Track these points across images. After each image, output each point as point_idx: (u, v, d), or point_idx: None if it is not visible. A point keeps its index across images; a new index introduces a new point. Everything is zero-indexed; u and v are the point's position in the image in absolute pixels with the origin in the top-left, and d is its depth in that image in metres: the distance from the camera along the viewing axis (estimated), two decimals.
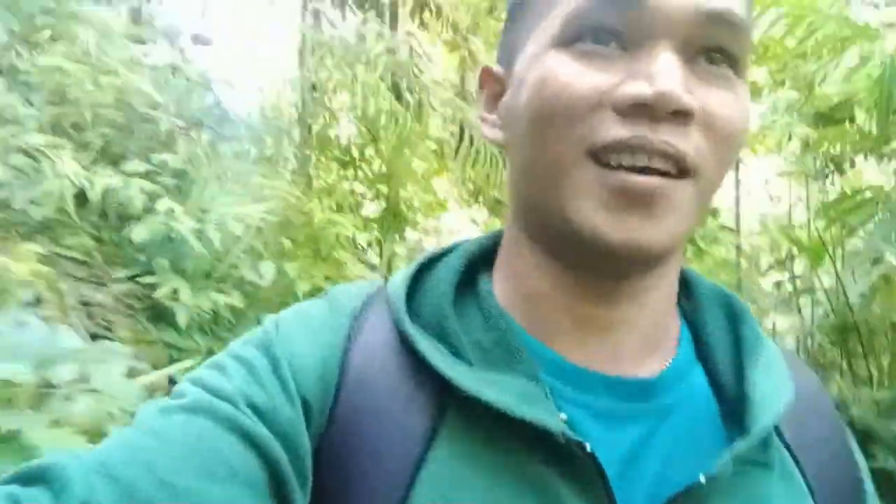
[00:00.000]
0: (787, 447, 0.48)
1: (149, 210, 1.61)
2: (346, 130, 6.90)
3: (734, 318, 0.52)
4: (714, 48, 0.41)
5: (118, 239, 1.68)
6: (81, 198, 1.49)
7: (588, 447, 0.41)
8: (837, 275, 3.66)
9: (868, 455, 2.61)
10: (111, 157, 1.71)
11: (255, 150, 2.74)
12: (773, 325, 4.91)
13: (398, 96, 6.75)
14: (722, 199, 5.36)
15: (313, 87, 6.87)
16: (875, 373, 3.58)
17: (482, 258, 0.53)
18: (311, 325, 0.48)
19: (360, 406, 0.44)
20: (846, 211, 3.28)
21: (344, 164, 6.12)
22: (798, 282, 4.34)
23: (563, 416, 0.43)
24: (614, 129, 0.40)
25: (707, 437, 0.46)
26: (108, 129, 1.70)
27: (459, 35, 7.14)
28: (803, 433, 0.49)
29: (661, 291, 0.49)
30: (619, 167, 0.40)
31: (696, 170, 0.41)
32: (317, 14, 6.63)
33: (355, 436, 0.43)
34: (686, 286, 0.54)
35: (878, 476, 2.67)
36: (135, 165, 1.66)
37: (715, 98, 0.41)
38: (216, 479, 0.38)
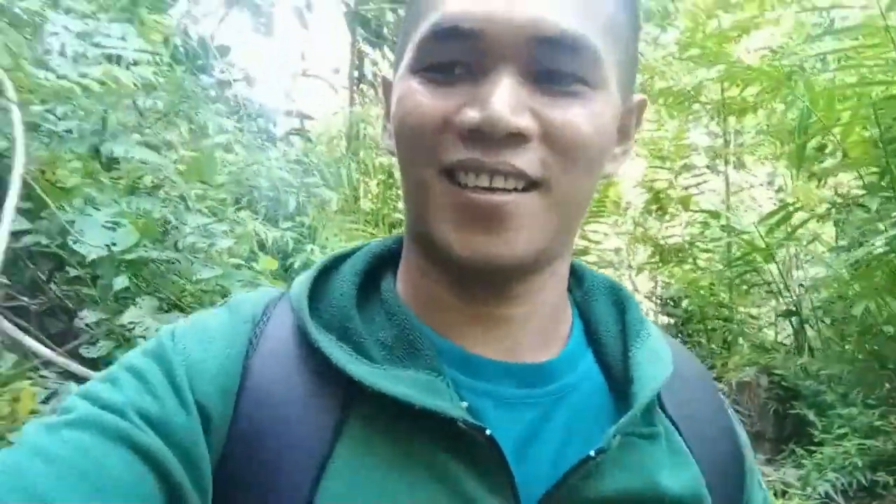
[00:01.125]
0: (672, 421, 0.52)
1: (297, 249, 2.89)
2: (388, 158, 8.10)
3: (620, 305, 0.57)
4: (555, 69, 0.44)
5: (281, 265, 2.98)
6: (260, 243, 2.77)
7: (487, 431, 0.43)
8: (780, 271, 4.71)
9: (792, 407, 3.70)
10: (272, 219, 3.01)
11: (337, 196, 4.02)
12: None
13: None
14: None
15: (361, 120, 8.18)
16: (807, 346, 4.65)
17: (387, 259, 0.55)
18: (208, 333, 0.48)
19: (262, 411, 0.45)
20: (778, 222, 4.34)
21: (388, 186, 7.15)
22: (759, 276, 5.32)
23: (465, 403, 0.45)
24: (454, 152, 0.43)
25: (599, 416, 0.50)
26: (266, 202, 3.00)
27: None
28: (685, 407, 0.54)
29: (551, 290, 0.52)
30: (467, 185, 0.43)
31: (543, 182, 0.44)
32: (360, 55, 7.93)
33: (259, 440, 0.44)
34: (576, 277, 0.59)
35: (795, 419, 3.75)
36: (285, 224, 2.95)
37: (559, 113, 0.44)
38: (104, 496, 0.37)
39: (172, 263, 1.74)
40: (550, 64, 0.44)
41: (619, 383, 0.52)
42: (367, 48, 7.99)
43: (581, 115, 0.44)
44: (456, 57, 0.44)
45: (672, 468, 0.49)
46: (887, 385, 3.76)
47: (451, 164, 0.44)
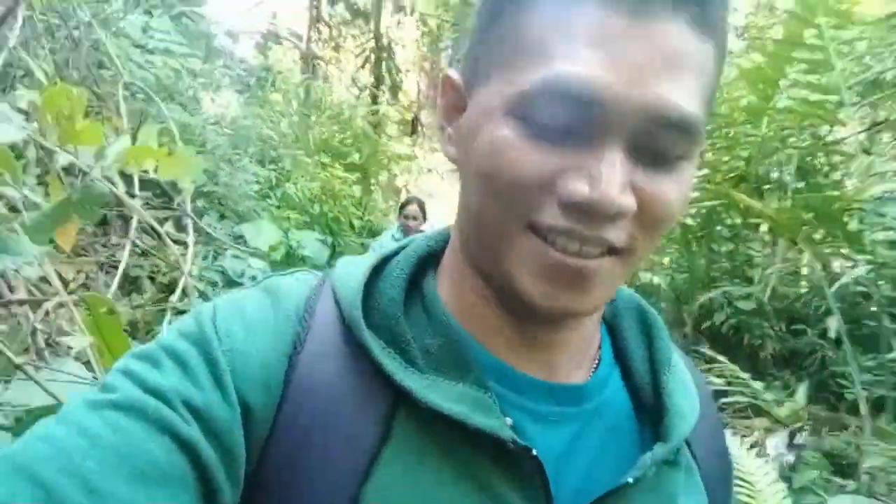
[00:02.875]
0: (688, 443, 0.56)
1: (278, 184, 4.43)
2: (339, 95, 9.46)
3: (647, 327, 0.60)
4: (662, 147, 0.44)
5: (270, 193, 4.55)
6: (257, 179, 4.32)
7: (534, 452, 0.46)
8: None
9: None
10: (261, 161, 4.53)
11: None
12: None
13: (379, 72, 9.44)
14: None
15: (315, 59, 9.50)
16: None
17: (430, 257, 0.57)
18: (251, 323, 0.49)
19: (308, 410, 0.46)
20: None
21: (338, 123, 8.45)
22: None
23: (509, 420, 0.48)
24: (554, 218, 0.44)
25: (626, 437, 0.54)
26: (255, 149, 4.52)
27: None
28: (699, 433, 0.56)
29: (593, 318, 0.55)
30: (555, 244, 0.44)
31: (628, 250, 0.46)
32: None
33: (303, 441, 0.46)
34: None
35: None
36: (270, 165, 4.48)
37: (656, 187, 0.44)
38: (146, 483, 0.39)
39: (223, 194, 3.31)
40: (662, 144, 0.44)
41: (646, 406, 0.55)
42: None
43: (674, 191, 0.45)
44: (566, 120, 0.42)
45: (687, 494, 0.54)
46: (672, 314, 5.66)
47: (545, 227, 0.44)
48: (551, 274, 0.45)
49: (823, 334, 4.57)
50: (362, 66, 9.62)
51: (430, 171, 10.52)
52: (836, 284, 3.77)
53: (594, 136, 0.42)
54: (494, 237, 0.47)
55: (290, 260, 4.14)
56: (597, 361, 0.57)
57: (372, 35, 9.47)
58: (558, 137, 0.43)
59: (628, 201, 0.42)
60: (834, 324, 3.77)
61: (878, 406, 3.93)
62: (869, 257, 3.61)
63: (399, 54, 9.87)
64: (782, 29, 3.94)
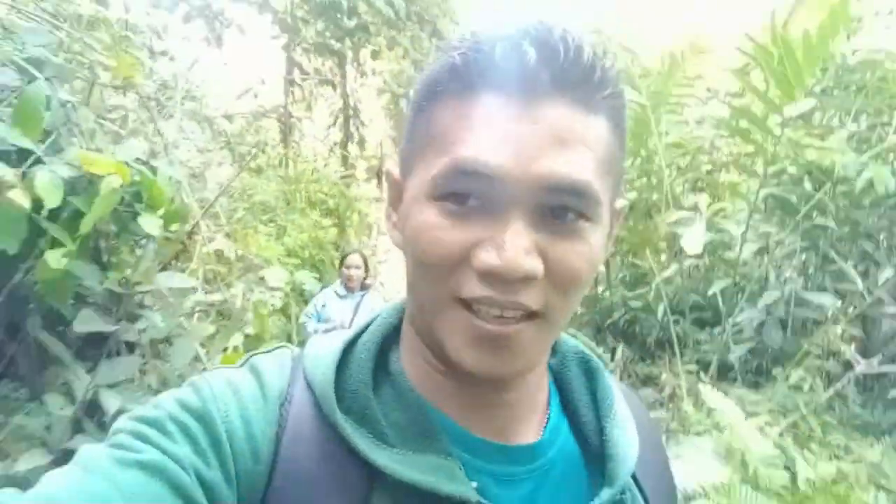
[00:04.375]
0: (635, 478, 0.63)
1: (278, 237, 5.98)
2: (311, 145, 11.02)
3: (591, 375, 0.67)
4: (561, 209, 0.49)
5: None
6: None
7: None
8: None
9: None
10: (263, 222, 6.11)
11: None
12: None
13: (347, 129, 11.07)
14: None
15: (290, 115, 11.14)
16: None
17: (393, 331, 0.63)
18: (246, 409, 0.54)
19: (291, 495, 0.51)
20: None
21: (311, 171, 9.92)
22: None
23: (475, 484, 0.53)
24: (472, 289, 0.50)
25: (578, 485, 0.60)
26: (261, 209, 6.10)
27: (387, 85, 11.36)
28: (644, 464, 0.63)
29: (537, 374, 0.62)
30: (478, 312, 0.50)
31: (543, 313, 0.51)
32: (291, 62, 10.75)
33: None
34: (552, 344, 0.65)
35: None
36: (270, 224, 6.05)
37: (562, 251, 0.50)
38: None
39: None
40: (557, 205, 0.49)
41: (592, 453, 0.62)
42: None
43: (580, 253, 0.50)
44: (471, 190, 0.49)
45: None
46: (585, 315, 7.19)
47: (468, 298, 0.50)
48: (478, 341, 0.51)
49: (696, 321, 6.19)
50: (333, 124, 11.27)
51: None
52: (655, 282, 5.30)
53: (500, 210, 0.49)
54: (429, 311, 0.54)
55: (293, 293, 5.71)
56: (547, 415, 0.64)
57: (339, 97, 11.13)
58: (471, 214, 0.49)
59: (533, 264, 0.48)
60: (660, 310, 5.32)
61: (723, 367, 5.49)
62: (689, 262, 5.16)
63: (364, 109, 11.55)
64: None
